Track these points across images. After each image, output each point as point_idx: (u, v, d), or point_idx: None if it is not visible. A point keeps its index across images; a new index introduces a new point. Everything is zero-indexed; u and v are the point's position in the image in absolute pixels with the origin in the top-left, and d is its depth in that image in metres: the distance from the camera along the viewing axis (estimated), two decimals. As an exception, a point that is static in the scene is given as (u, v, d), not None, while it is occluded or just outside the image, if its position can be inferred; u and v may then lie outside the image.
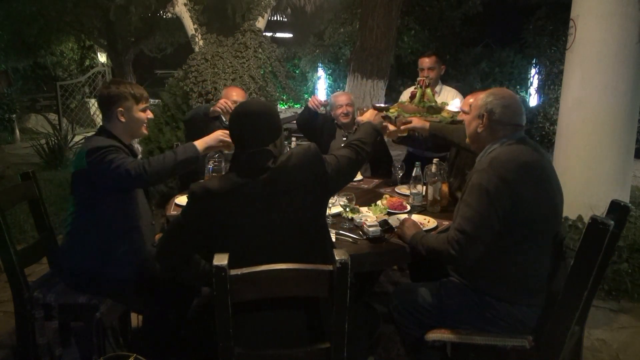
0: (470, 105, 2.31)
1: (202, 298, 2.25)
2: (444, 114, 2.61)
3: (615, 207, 1.74)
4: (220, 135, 2.11)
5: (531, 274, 1.70)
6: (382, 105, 2.84)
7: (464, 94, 3.10)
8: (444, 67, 3.44)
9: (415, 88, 2.74)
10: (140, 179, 1.86)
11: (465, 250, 1.63)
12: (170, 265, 1.68)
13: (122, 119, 2.02)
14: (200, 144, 2.06)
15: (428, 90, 2.68)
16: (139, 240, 2.04)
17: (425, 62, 3.36)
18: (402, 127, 2.45)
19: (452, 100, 2.96)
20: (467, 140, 1.94)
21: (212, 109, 2.94)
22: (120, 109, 2.01)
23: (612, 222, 1.51)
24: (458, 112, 2.66)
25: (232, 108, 2.86)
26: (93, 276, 1.97)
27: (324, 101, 3.28)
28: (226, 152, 2.22)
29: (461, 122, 2.62)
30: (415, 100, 2.69)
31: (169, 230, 1.69)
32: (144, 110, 2.07)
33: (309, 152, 1.62)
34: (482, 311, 1.74)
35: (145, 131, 2.12)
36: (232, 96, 3.06)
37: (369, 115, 2.32)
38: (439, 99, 3.20)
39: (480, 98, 1.81)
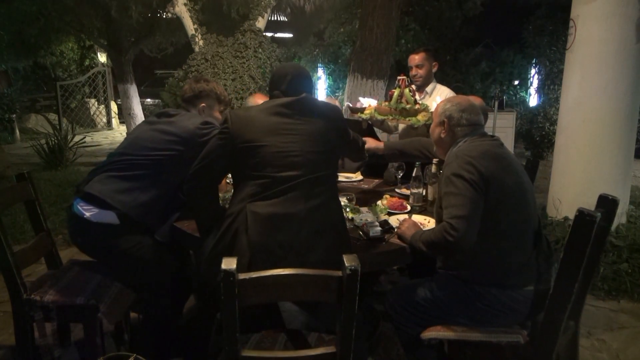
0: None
1: (200, 300, 2.25)
2: (419, 117, 2.56)
3: (604, 201, 1.76)
4: None
5: (508, 258, 1.76)
6: (357, 107, 2.82)
7: (464, 94, 3.02)
8: (436, 64, 3.26)
9: (394, 88, 2.69)
10: None
11: (462, 233, 1.65)
12: (198, 188, 1.78)
13: (202, 114, 2.15)
14: None
15: (406, 91, 2.63)
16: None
17: (414, 59, 3.21)
18: None
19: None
20: (435, 147, 2.08)
21: None
22: (203, 104, 2.17)
23: (599, 215, 1.54)
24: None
25: None
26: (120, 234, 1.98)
27: None
28: None
29: None
30: (392, 102, 2.64)
31: (202, 153, 1.78)
32: (221, 112, 2.22)
33: (332, 104, 1.87)
34: (473, 301, 1.78)
35: None
36: None
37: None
38: (431, 99, 3.13)
39: (439, 107, 2.01)
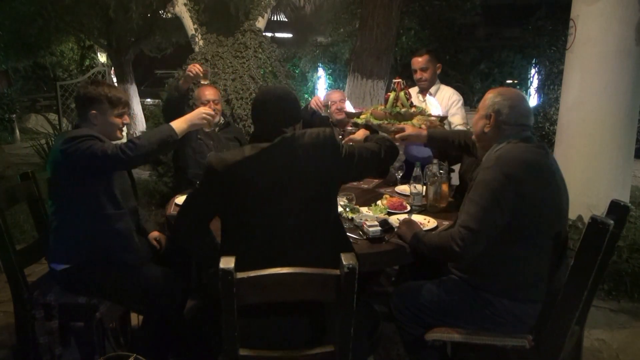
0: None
1: (201, 299, 2.25)
2: (415, 120, 2.48)
3: (615, 207, 1.74)
4: (202, 111, 2.09)
5: (530, 271, 1.70)
6: (353, 111, 2.73)
7: (463, 94, 3.01)
8: (439, 65, 3.25)
9: (390, 91, 2.63)
10: (117, 158, 1.84)
11: (468, 246, 1.64)
12: (187, 236, 1.74)
13: (95, 122, 2.00)
14: (180, 123, 2.03)
15: (402, 94, 2.56)
16: (126, 228, 2.02)
17: (418, 62, 3.18)
18: (397, 137, 2.33)
19: (434, 105, 2.74)
20: (474, 137, 1.93)
21: (181, 80, 2.86)
22: (94, 112, 1.99)
23: (612, 222, 1.51)
24: (439, 117, 2.55)
25: (203, 71, 2.81)
26: (86, 272, 1.97)
27: (325, 101, 3.22)
28: (206, 130, 2.19)
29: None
30: (387, 106, 2.57)
31: (186, 200, 1.74)
32: (120, 115, 2.04)
33: (324, 133, 1.67)
34: (481, 308, 1.75)
35: (120, 135, 2.08)
36: (206, 96, 3.08)
37: (362, 133, 2.28)
38: (436, 100, 3.16)
39: (488, 98, 1.82)
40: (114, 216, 1.98)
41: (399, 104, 2.58)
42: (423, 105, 3.03)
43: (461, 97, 3.23)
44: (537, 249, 1.69)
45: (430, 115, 2.56)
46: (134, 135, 8.00)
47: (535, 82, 9.49)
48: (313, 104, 3.19)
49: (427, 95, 3.18)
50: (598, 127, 3.47)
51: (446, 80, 9.12)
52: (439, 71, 3.25)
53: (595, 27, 3.36)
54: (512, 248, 1.69)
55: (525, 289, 1.71)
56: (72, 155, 1.86)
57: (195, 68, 2.80)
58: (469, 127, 3.04)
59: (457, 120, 3.09)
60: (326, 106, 3.20)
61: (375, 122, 2.58)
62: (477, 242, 1.65)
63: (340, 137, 3.09)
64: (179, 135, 2.01)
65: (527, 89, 9.65)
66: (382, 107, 2.63)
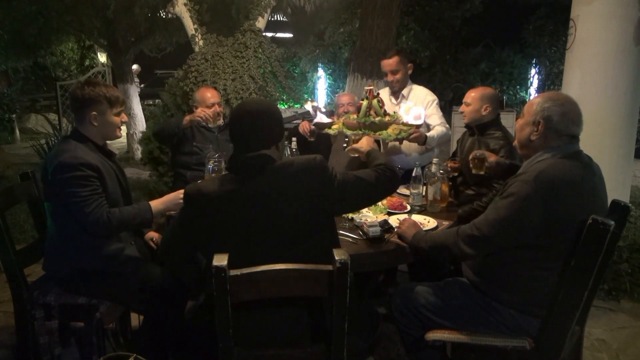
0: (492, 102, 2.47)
1: (205, 298, 2.24)
2: (390, 130, 2.41)
3: (615, 207, 1.74)
4: (180, 197, 2.05)
5: (548, 289, 1.65)
6: (325, 122, 2.66)
7: (463, 94, 2.95)
8: (411, 65, 3.10)
9: (361, 100, 2.52)
10: (93, 225, 1.85)
11: (474, 247, 1.65)
12: (173, 265, 1.73)
13: (95, 123, 1.97)
14: (158, 204, 2.04)
15: (375, 102, 2.45)
16: (113, 248, 1.99)
17: (388, 64, 3.00)
18: (486, 165, 2.18)
19: (410, 110, 2.62)
20: (516, 144, 1.81)
21: (186, 120, 2.99)
22: (94, 112, 1.95)
23: (613, 223, 1.51)
24: (414, 125, 2.49)
25: (212, 114, 2.96)
26: (84, 276, 1.97)
27: (313, 129, 3.07)
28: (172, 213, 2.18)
29: (407, 137, 2.48)
30: (360, 114, 2.46)
31: (168, 231, 1.70)
32: (118, 114, 2.02)
33: (313, 163, 1.53)
34: (487, 315, 1.74)
35: (119, 134, 2.07)
36: (209, 99, 3.10)
37: (366, 142, 2.15)
38: (408, 101, 3.05)
39: (536, 102, 1.69)
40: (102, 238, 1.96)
41: (372, 112, 2.47)
42: (397, 108, 2.93)
43: (436, 97, 3.13)
44: (556, 271, 1.64)
45: (404, 123, 2.52)
46: (134, 136, 8.04)
47: (535, 82, 9.50)
48: (301, 129, 3.11)
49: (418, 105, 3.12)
50: (598, 127, 3.47)
51: (446, 80, 9.17)
52: (410, 71, 3.12)
53: (595, 27, 3.36)
54: (537, 267, 1.65)
55: (539, 306, 1.68)
56: (57, 188, 1.86)
57: (205, 113, 2.96)
58: (447, 126, 3.01)
59: (434, 120, 2.99)
60: (312, 132, 3.06)
61: (348, 132, 2.47)
62: (482, 246, 1.65)
63: (347, 138, 3.08)
64: (155, 216, 2.04)
65: (527, 89, 9.65)
66: (355, 116, 2.51)
